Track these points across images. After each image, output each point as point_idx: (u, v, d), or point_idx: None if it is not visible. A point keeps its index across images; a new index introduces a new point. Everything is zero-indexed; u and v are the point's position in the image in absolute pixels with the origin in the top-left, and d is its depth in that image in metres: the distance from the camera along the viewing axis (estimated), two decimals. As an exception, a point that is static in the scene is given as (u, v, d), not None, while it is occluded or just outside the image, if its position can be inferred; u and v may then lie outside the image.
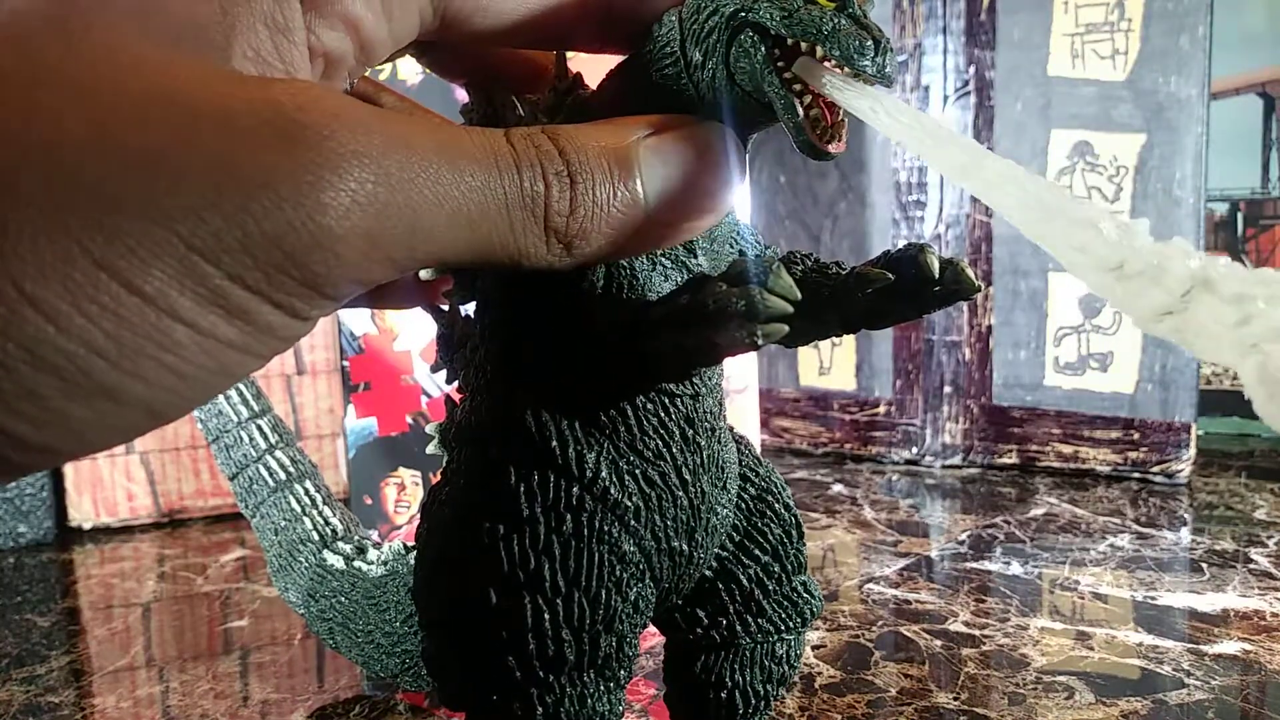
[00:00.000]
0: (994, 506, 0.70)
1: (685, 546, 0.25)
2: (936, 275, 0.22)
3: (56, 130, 0.12)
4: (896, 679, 0.41)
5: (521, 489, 0.23)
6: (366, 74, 0.20)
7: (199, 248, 0.12)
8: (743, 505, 0.28)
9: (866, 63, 0.19)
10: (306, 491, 0.41)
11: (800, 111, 0.19)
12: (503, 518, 0.23)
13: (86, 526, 0.73)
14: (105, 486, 0.73)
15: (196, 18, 0.13)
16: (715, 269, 0.24)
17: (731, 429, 0.28)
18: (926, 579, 0.54)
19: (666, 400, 0.24)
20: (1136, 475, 0.76)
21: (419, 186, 0.14)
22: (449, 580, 0.24)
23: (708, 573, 0.28)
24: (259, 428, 0.42)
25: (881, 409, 0.86)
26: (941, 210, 0.82)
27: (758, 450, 0.32)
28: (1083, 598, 0.50)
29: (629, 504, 0.24)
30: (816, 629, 0.47)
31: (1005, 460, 0.81)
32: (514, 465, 0.24)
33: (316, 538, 0.40)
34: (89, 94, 0.12)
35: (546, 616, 0.23)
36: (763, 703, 0.30)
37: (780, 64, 0.19)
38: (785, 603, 0.29)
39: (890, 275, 0.22)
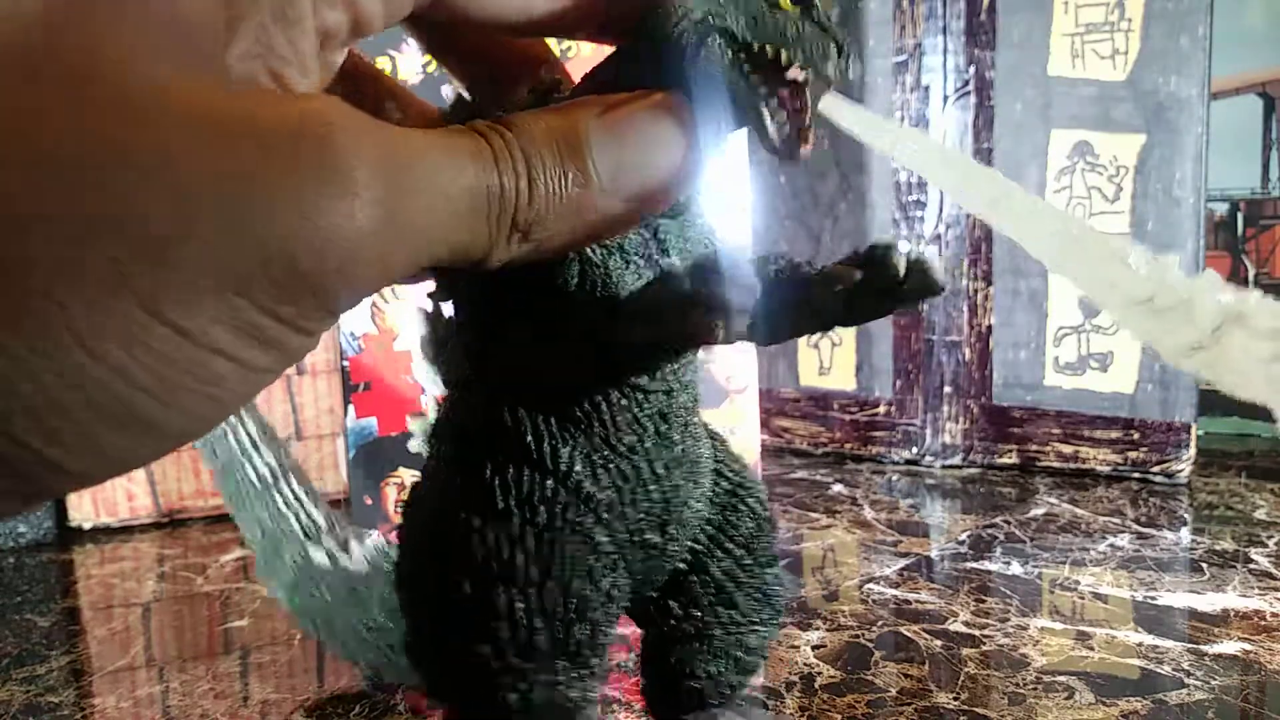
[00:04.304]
0: (994, 506, 0.70)
1: (657, 538, 0.26)
2: (902, 274, 0.22)
3: (105, 173, 0.12)
4: (896, 679, 0.41)
5: (497, 482, 0.24)
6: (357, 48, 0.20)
7: (237, 288, 0.13)
8: (716, 500, 0.29)
9: (830, 67, 0.19)
10: (291, 488, 0.42)
11: (768, 116, 0.19)
12: (479, 510, 0.24)
13: (86, 526, 0.73)
14: (105, 487, 0.73)
15: (205, 21, 0.13)
16: None
17: (706, 425, 0.29)
18: (926, 579, 0.54)
19: (640, 396, 0.24)
20: (1136, 475, 0.76)
21: (421, 202, 0.14)
22: (428, 571, 0.25)
23: (681, 565, 0.28)
24: (244, 428, 0.42)
25: (881, 409, 0.86)
26: (941, 210, 0.82)
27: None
28: (1083, 598, 0.50)
29: (602, 497, 0.25)
30: (816, 629, 0.47)
31: (1005, 460, 0.81)
32: (491, 460, 0.24)
33: (301, 534, 0.41)
34: (126, 148, 0.12)
35: (520, 605, 0.24)
36: (732, 691, 0.30)
37: (746, 68, 0.19)
38: (757, 594, 0.29)
39: (858, 273, 0.22)
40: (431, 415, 0.27)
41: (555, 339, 0.23)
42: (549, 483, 0.24)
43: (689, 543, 0.28)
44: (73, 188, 0.12)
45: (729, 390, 0.66)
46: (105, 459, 0.13)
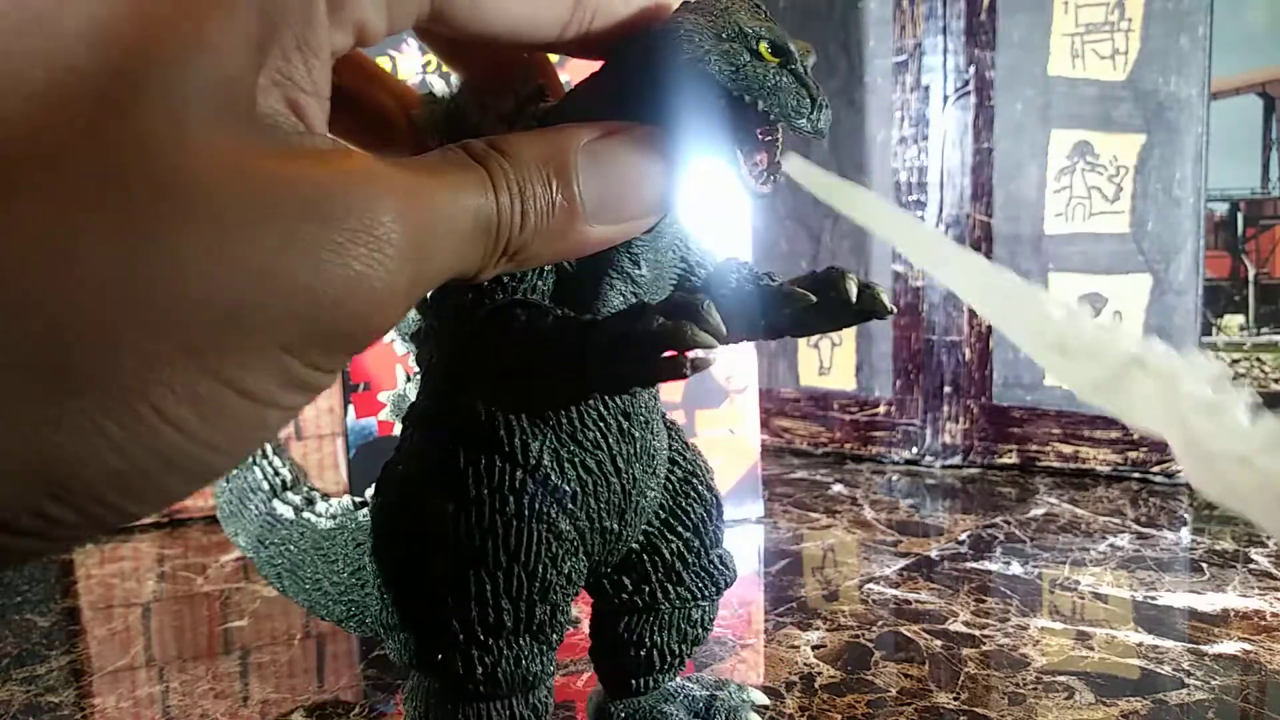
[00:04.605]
0: (994, 506, 0.70)
1: (616, 526, 0.28)
2: (854, 299, 0.24)
3: (171, 247, 0.12)
4: (896, 679, 0.41)
5: (470, 471, 0.26)
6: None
7: (290, 348, 0.14)
8: (670, 485, 0.31)
9: (803, 120, 0.21)
10: None
11: (740, 158, 0.21)
12: (453, 497, 0.26)
13: (86, 526, 0.73)
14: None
15: (238, 63, 0.14)
16: (658, 277, 0.27)
17: (663, 415, 0.31)
18: (926, 579, 0.54)
19: (605, 396, 0.26)
20: (1136, 475, 0.76)
21: (439, 243, 0.16)
22: (404, 550, 0.27)
23: (634, 546, 0.31)
24: None
25: (881, 409, 0.86)
26: (941, 210, 0.82)
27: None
28: (1083, 598, 0.50)
29: (567, 488, 0.27)
30: (816, 629, 0.47)
31: (1005, 460, 0.81)
32: (464, 450, 0.26)
33: (266, 487, 0.42)
34: (182, 233, 0.13)
35: (489, 587, 0.26)
36: (678, 660, 0.33)
37: (726, 113, 0.21)
38: (703, 574, 0.32)
39: (812, 297, 0.24)
40: (401, 386, 0.29)
41: (527, 348, 0.24)
42: (519, 474, 0.26)
43: (644, 527, 0.31)
44: (138, 282, 0.12)
45: (729, 390, 0.66)
46: (168, 499, 0.15)
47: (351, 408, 0.59)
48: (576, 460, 0.27)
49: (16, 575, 0.62)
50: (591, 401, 0.26)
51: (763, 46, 0.21)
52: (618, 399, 0.27)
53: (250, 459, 0.42)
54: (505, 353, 0.25)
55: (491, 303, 0.25)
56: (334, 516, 0.39)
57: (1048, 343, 0.18)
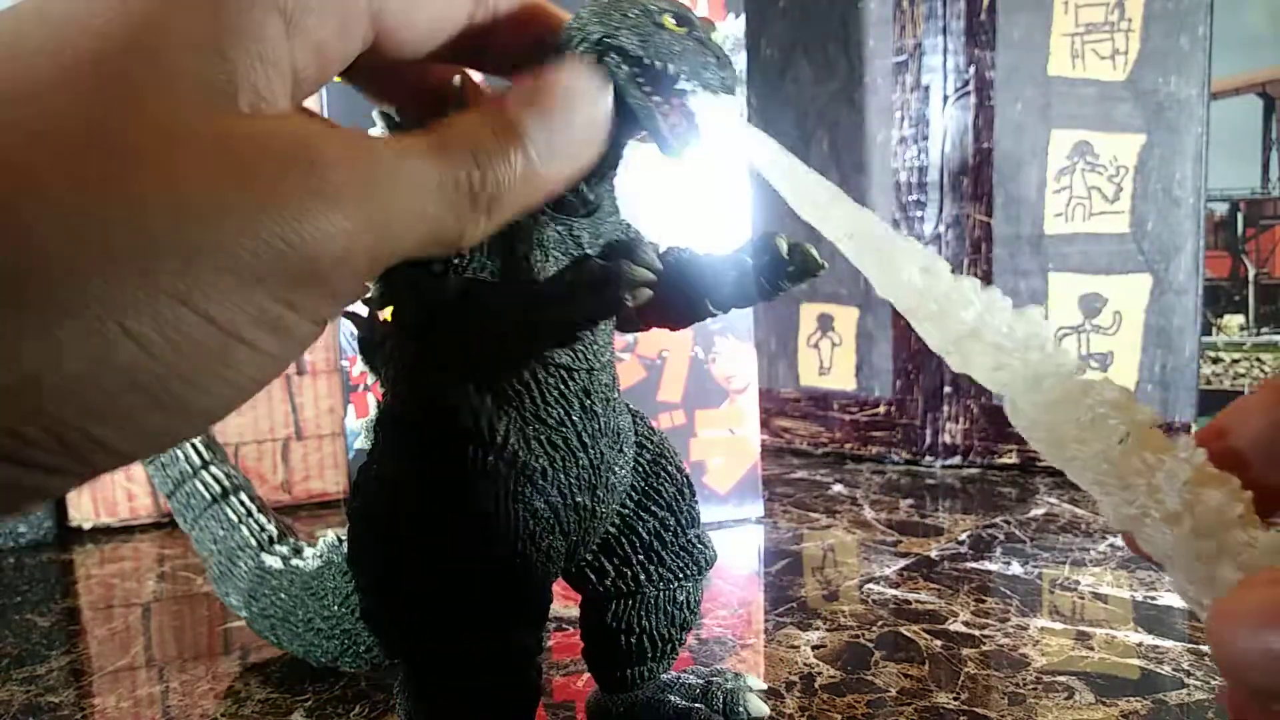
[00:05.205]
0: (994, 506, 0.70)
1: (588, 501, 0.29)
2: (786, 256, 0.27)
3: (137, 193, 0.14)
4: (896, 679, 0.41)
5: (440, 458, 0.27)
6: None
7: (256, 279, 0.15)
8: (640, 468, 0.32)
9: (710, 76, 0.23)
10: (242, 502, 0.45)
11: (660, 119, 0.23)
12: (425, 484, 0.27)
13: (86, 526, 0.73)
14: (105, 486, 0.73)
15: (207, 67, 0.16)
16: None
17: (628, 405, 0.32)
18: (926, 579, 0.54)
19: (565, 374, 0.27)
20: (1136, 475, 0.76)
21: (393, 202, 0.17)
22: (381, 545, 0.28)
23: (611, 528, 0.32)
24: (194, 447, 0.45)
25: (881, 409, 0.86)
26: (941, 210, 0.82)
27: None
28: (1083, 598, 0.50)
29: (536, 465, 0.27)
30: (816, 629, 0.47)
31: (1005, 460, 0.81)
32: (433, 437, 0.27)
33: (254, 543, 0.43)
34: (154, 158, 0.15)
35: (470, 571, 0.27)
36: (668, 646, 0.34)
37: (640, 80, 0.23)
38: (682, 552, 0.33)
39: (749, 260, 0.27)
40: (373, 414, 0.30)
41: (481, 325, 0.26)
42: (489, 457, 0.27)
43: (617, 507, 0.31)
44: (104, 216, 0.14)
45: (729, 390, 0.66)
46: (146, 437, 0.16)
47: (351, 408, 0.59)
48: (543, 438, 0.27)
49: (17, 575, 0.62)
50: (551, 381, 0.27)
51: (667, 19, 0.23)
52: (577, 377, 0.28)
53: (236, 518, 0.44)
54: (467, 326, 0.26)
55: (443, 290, 0.26)
56: (320, 555, 0.41)
57: (907, 306, 0.19)
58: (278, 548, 0.43)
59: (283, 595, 0.42)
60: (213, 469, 0.45)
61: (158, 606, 0.55)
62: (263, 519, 0.44)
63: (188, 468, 0.45)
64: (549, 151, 0.20)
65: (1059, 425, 0.17)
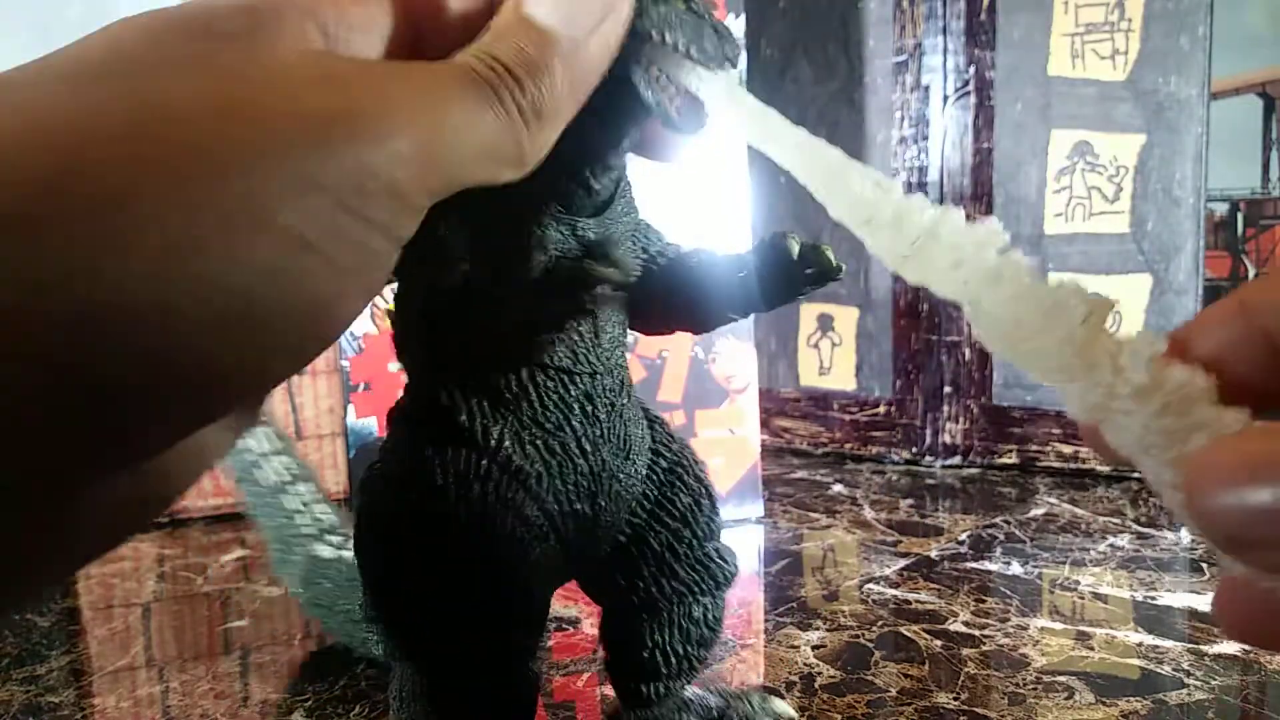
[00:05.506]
0: (994, 506, 0.70)
1: (588, 509, 0.28)
2: (796, 256, 0.26)
3: (295, 116, 0.16)
4: (896, 679, 0.41)
5: (436, 461, 0.27)
6: None
7: (333, 191, 0.16)
8: (654, 477, 0.31)
9: (708, 45, 0.23)
10: (303, 492, 0.46)
11: (665, 99, 0.23)
12: (420, 487, 0.27)
13: (86, 526, 0.73)
14: (105, 486, 0.73)
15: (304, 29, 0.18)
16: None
17: (647, 410, 0.31)
18: (926, 579, 0.54)
19: (566, 379, 0.27)
20: (1136, 475, 0.76)
21: (444, 121, 0.18)
22: (379, 545, 0.28)
23: (621, 539, 0.31)
24: (264, 434, 0.47)
25: (881, 409, 0.86)
26: (941, 210, 0.82)
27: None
28: (1083, 598, 0.50)
29: (531, 470, 0.27)
30: (816, 629, 0.47)
31: (1005, 460, 0.81)
32: (431, 440, 0.27)
33: (313, 532, 0.45)
34: (296, 90, 0.17)
35: (460, 574, 0.26)
36: (685, 663, 0.32)
37: (638, 53, 0.23)
38: (698, 566, 0.31)
39: (753, 258, 0.27)
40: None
41: (489, 327, 0.26)
42: (484, 461, 0.26)
43: (627, 516, 0.30)
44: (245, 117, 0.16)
45: (729, 390, 0.66)
46: (283, 352, 0.17)
47: (351, 408, 0.59)
48: (540, 442, 0.27)
49: (16, 575, 0.62)
50: (551, 385, 0.27)
51: None
52: (579, 382, 0.27)
53: (297, 507, 0.46)
54: (468, 325, 0.26)
55: (455, 295, 0.26)
56: None
57: (861, 217, 0.19)
58: (331, 537, 0.45)
59: (330, 584, 0.43)
60: (282, 458, 0.47)
61: (158, 606, 0.55)
62: (320, 509, 0.46)
63: (252, 458, 0.46)
64: (570, 32, 0.20)
65: (1021, 317, 0.17)
